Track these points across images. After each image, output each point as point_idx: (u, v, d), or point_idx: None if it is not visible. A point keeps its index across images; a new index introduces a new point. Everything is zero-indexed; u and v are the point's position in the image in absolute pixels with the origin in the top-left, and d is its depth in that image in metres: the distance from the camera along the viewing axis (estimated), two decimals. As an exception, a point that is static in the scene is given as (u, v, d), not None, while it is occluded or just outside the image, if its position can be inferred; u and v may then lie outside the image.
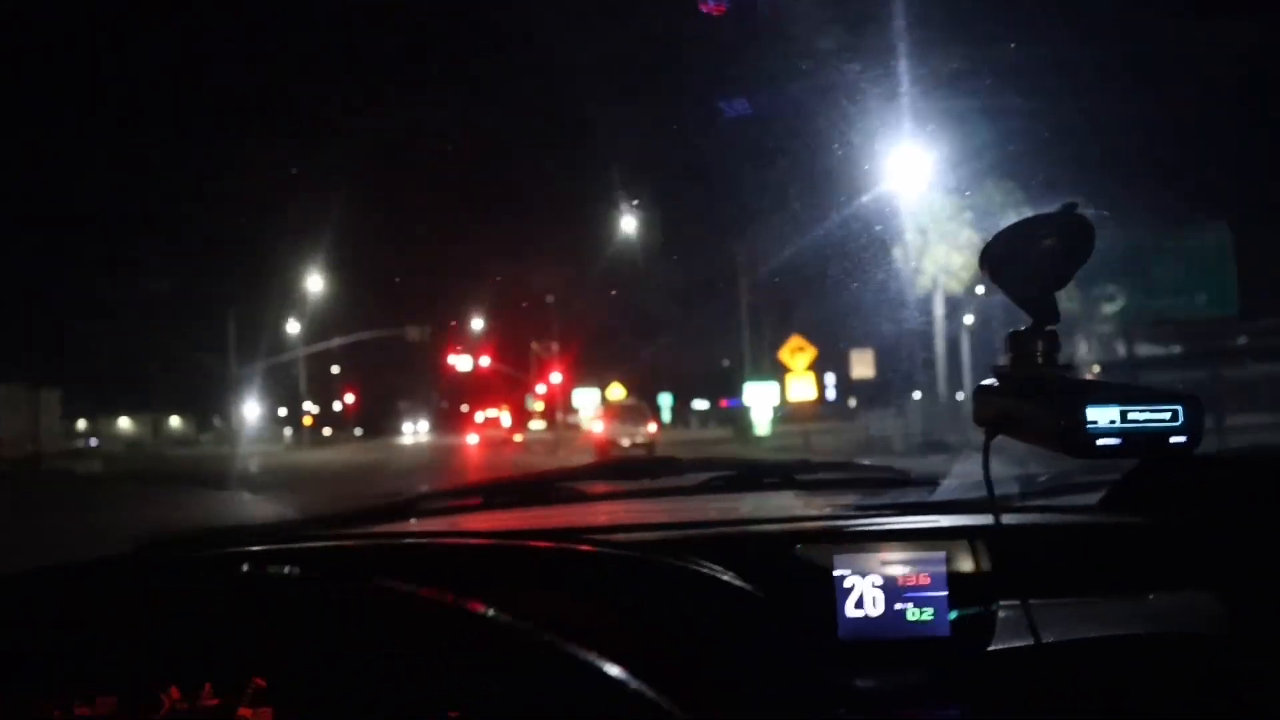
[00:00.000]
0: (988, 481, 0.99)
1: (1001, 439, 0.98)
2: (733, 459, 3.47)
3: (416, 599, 0.73)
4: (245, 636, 0.77)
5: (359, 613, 0.75)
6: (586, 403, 34.71)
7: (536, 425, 39.61)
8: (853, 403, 29.70)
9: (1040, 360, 0.97)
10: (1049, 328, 0.97)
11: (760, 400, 20.65)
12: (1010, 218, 0.99)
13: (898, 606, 1.11)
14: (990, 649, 1.09)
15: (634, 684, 0.67)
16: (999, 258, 1.00)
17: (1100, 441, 0.89)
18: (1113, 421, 0.89)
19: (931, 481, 1.57)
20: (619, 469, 1.92)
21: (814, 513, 1.34)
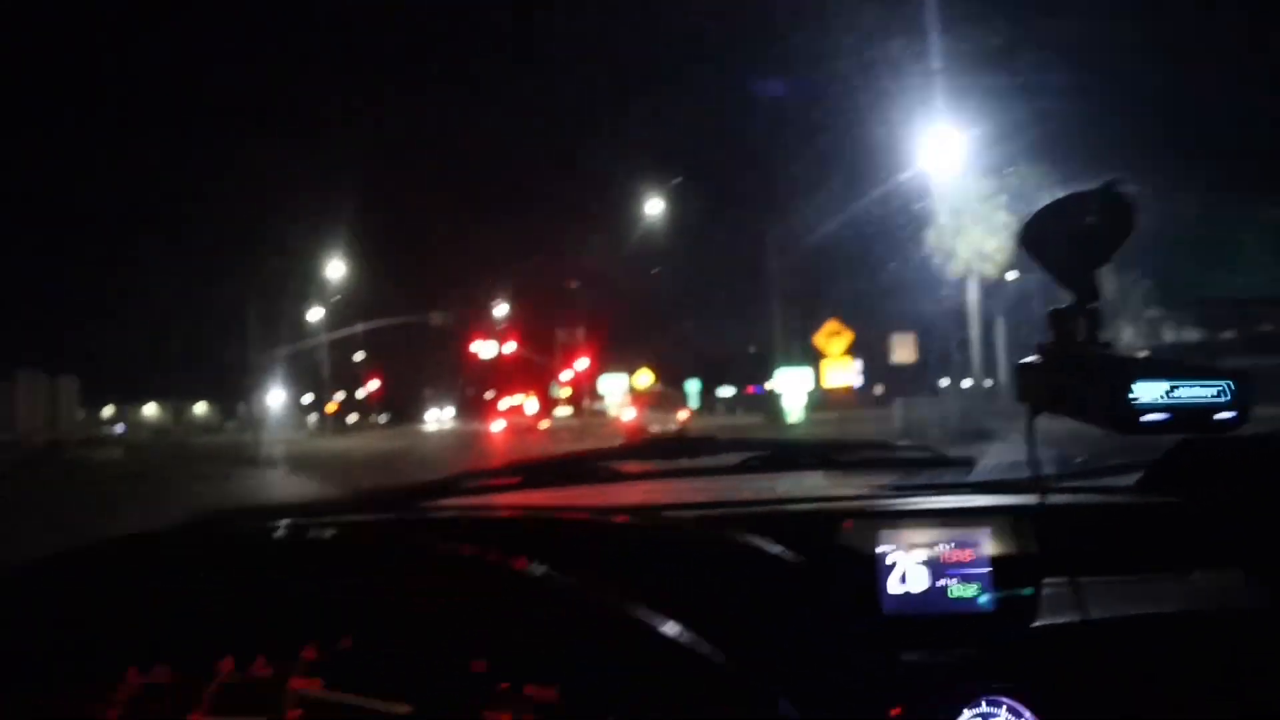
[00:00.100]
0: (1033, 459, 0.99)
1: (1038, 424, 0.98)
2: (770, 440, 3.48)
3: (473, 562, 0.75)
4: (297, 608, 0.79)
5: (412, 582, 0.76)
6: (613, 389, 34.72)
7: (562, 412, 39.71)
8: (879, 390, 29.36)
9: (1082, 337, 0.97)
10: (1090, 305, 0.97)
11: (793, 386, 20.27)
12: (1046, 201, 0.99)
13: (940, 583, 1.12)
14: (1034, 625, 1.09)
15: (693, 640, 0.68)
16: (1039, 234, 1.00)
17: (1146, 417, 0.89)
18: (1160, 397, 0.89)
19: (968, 462, 1.58)
20: (657, 448, 1.93)
21: (853, 492, 1.35)
